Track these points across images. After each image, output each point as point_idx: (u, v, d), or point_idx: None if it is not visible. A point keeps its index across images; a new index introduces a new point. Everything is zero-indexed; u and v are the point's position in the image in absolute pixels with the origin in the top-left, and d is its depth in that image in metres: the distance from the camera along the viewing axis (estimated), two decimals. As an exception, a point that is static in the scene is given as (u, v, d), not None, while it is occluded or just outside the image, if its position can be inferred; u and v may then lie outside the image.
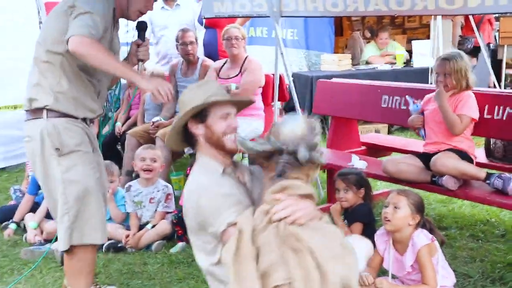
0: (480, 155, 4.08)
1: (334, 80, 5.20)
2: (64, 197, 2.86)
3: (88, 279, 3.03)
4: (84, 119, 2.96)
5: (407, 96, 4.10)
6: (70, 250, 2.93)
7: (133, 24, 3.17)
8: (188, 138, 2.62)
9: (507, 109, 3.71)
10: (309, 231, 2.20)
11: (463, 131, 3.67)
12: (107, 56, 2.71)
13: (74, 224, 2.88)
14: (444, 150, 3.67)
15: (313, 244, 2.16)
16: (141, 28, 3.18)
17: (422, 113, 3.92)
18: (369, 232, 3.41)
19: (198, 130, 2.55)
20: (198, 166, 2.59)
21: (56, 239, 3.00)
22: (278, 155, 2.28)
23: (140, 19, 3.17)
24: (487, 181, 3.53)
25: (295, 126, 2.30)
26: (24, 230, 4.50)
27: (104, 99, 3.19)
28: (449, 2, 3.64)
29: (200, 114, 2.54)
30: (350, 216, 3.58)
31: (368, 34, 8.88)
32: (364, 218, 3.53)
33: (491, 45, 8.61)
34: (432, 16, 7.34)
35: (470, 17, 7.04)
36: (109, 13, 2.87)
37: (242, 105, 2.76)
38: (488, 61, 6.51)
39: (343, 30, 8.96)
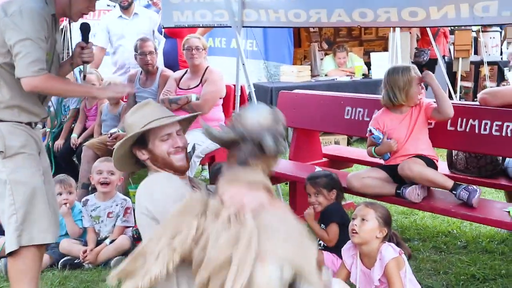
0: (442, 167, 4.09)
1: (296, 91, 5.17)
2: (11, 198, 2.82)
3: (32, 284, 2.90)
4: (29, 123, 2.93)
5: (370, 127, 3.86)
6: (16, 251, 2.84)
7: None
8: (138, 160, 2.67)
9: (470, 121, 3.75)
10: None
11: None
12: (62, 85, 2.93)
13: (23, 225, 2.82)
14: (412, 157, 3.68)
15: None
16: (85, 30, 3.19)
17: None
18: (347, 233, 3.35)
19: (143, 155, 2.62)
20: (151, 176, 2.61)
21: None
22: (241, 143, 2.26)
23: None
24: (454, 192, 3.54)
25: (260, 116, 2.28)
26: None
27: (48, 102, 3.20)
28: (412, 14, 3.65)
29: (141, 140, 2.60)
30: (325, 218, 3.53)
31: (325, 46, 8.94)
32: (338, 218, 3.49)
33: (445, 57, 8.78)
34: (391, 29, 7.43)
35: (428, 30, 7.14)
36: (48, 25, 2.84)
37: (186, 121, 2.79)
38: (445, 73, 6.61)
39: (301, 41, 8.98)
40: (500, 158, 4.06)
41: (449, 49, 9.00)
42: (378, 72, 7.40)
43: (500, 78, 8.77)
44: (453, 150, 4.19)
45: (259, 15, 4.54)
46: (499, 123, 3.67)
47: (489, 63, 8.80)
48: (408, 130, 3.75)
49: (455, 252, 3.97)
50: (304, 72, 7.41)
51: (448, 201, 3.59)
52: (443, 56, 8.45)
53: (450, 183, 3.57)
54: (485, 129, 3.71)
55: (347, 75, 7.55)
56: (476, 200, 3.45)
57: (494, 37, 9.23)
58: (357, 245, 3.03)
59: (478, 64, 8.98)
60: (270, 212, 2.13)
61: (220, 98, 5.16)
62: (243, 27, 4.78)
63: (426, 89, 3.99)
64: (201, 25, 5.23)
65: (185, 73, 5.22)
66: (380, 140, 3.74)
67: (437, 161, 3.78)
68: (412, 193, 3.60)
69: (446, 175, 3.99)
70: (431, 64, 8.07)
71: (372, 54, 7.79)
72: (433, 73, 7.71)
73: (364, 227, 2.96)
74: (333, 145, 6.15)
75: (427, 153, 3.73)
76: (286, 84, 6.96)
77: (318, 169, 4.30)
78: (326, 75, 7.76)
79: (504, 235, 4.17)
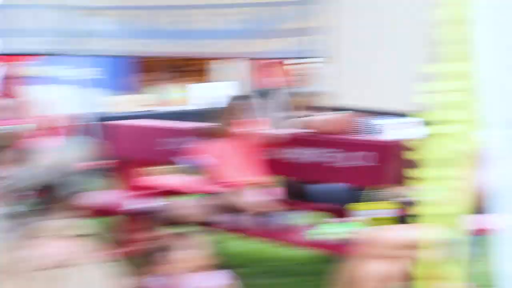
0: (277, 193, 4.20)
1: (128, 121, 5.12)
2: None
3: None
4: None
5: (188, 156, 4.01)
6: None
7: None
8: None
9: (302, 149, 3.93)
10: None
11: None
12: None
13: None
14: (239, 186, 3.76)
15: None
16: None
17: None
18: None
19: None
20: None
21: None
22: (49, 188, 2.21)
23: None
24: (264, 218, 3.67)
25: (58, 156, 2.23)
26: None
27: None
28: (249, 45, 3.74)
29: None
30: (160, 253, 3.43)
31: (167, 75, 8.99)
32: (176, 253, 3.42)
33: (280, 88, 9.12)
34: (222, 59, 7.60)
35: (265, 60, 7.37)
36: None
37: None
38: (276, 103, 6.86)
39: (142, 70, 8.95)
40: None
41: (284, 79, 9.36)
42: (205, 102, 7.54)
43: (319, 108, 9.25)
44: (286, 177, 4.28)
45: (101, 43, 4.45)
46: (323, 151, 3.87)
47: (304, 94, 9.27)
48: (236, 158, 3.84)
49: (283, 275, 4.10)
50: (142, 102, 7.40)
51: (271, 225, 3.69)
52: (277, 87, 8.78)
53: (268, 209, 3.70)
54: (313, 157, 3.90)
55: (179, 104, 7.67)
56: (279, 224, 3.63)
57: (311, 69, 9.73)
58: (177, 276, 2.98)
59: (303, 95, 9.42)
60: (79, 267, 2.08)
61: (50, 128, 4.99)
62: (84, 55, 4.66)
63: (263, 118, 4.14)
64: (40, 53, 5.00)
65: (7, 102, 4.99)
66: (196, 168, 3.82)
67: (266, 187, 3.88)
68: (238, 220, 3.68)
69: (279, 201, 4.13)
70: (266, 94, 8.36)
71: (201, 84, 7.99)
72: (268, 102, 7.98)
73: (184, 257, 2.93)
74: (161, 176, 6.06)
75: (256, 180, 3.83)
76: (122, 114, 6.84)
77: (147, 200, 4.24)
78: (164, 103, 7.80)
79: (324, 256, 4.36)
